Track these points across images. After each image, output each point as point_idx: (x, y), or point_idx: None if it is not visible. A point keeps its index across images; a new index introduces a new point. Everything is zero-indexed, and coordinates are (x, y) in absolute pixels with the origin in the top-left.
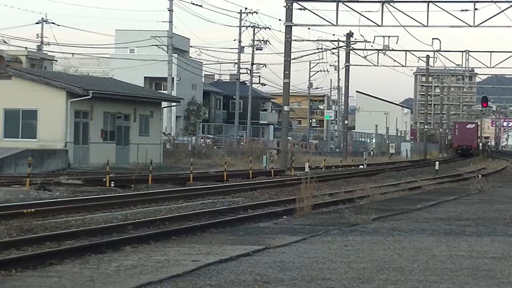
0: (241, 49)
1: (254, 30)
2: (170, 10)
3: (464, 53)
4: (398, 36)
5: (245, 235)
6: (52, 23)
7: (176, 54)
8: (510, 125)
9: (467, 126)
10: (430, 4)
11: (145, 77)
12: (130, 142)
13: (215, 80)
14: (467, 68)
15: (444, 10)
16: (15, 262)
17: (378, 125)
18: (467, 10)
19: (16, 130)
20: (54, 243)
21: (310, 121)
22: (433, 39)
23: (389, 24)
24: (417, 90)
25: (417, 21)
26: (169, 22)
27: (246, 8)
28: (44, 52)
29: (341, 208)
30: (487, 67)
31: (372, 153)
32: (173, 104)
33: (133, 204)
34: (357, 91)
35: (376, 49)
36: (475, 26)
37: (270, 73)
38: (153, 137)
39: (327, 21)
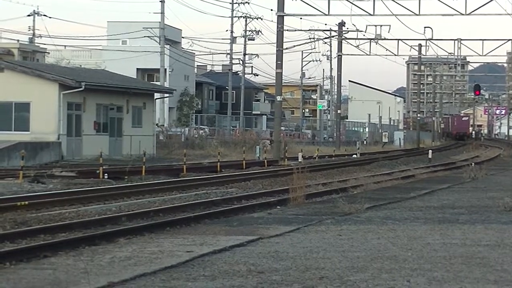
0: (233, 40)
1: (246, 21)
2: (162, 1)
3: (456, 42)
4: (390, 25)
5: (239, 225)
6: (44, 15)
7: (168, 45)
8: (502, 113)
9: (462, 118)
10: None
11: (137, 69)
12: (123, 134)
13: (208, 71)
14: (459, 57)
15: None
16: (9, 254)
17: (371, 114)
18: None
19: (8, 123)
20: (48, 235)
21: (303, 111)
22: (425, 27)
23: (381, 13)
24: (410, 79)
25: (409, 9)
26: (161, 13)
27: None
28: (36, 44)
29: (334, 197)
30: (479, 55)
31: (365, 142)
32: (166, 95)
33: (126, 195)
34: (349, 81)
35: (368, 38)
36: (467, 14)
37: (262, 63)
38: (146, 128)
39: (319, 10)
